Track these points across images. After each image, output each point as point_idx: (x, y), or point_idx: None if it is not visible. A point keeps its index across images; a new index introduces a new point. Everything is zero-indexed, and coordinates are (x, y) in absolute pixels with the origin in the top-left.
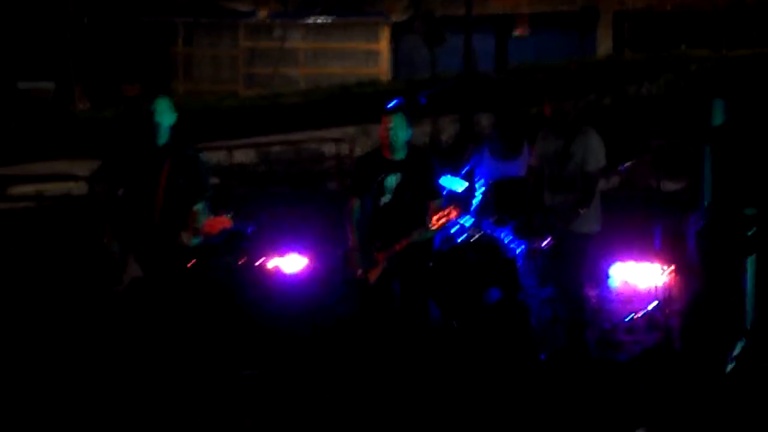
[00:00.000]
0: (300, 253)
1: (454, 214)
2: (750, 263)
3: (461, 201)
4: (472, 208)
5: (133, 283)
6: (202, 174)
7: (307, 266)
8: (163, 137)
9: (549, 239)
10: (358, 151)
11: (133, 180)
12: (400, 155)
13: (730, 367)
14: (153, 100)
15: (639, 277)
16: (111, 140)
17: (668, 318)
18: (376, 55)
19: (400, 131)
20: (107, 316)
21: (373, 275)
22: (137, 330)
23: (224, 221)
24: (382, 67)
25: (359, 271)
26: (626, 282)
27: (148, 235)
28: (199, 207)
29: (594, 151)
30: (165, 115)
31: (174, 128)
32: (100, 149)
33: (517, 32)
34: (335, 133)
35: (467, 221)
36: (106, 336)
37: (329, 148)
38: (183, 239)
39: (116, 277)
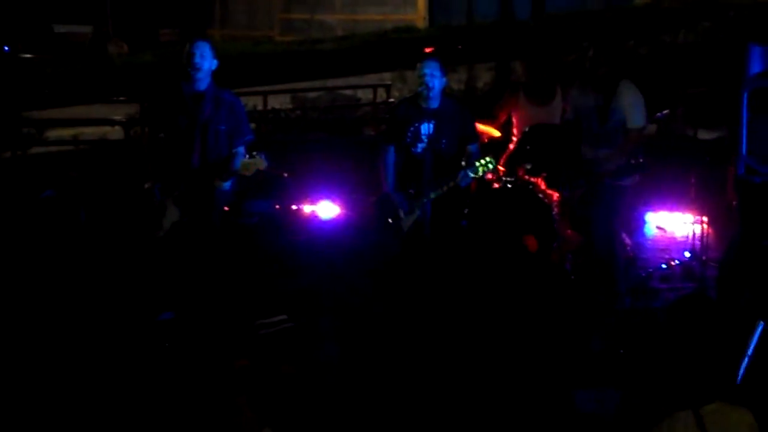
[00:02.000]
0: (333, 200)
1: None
2: None
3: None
4: (509, 154)
5: (173, 228)
6: (242, 119)
7: (341, 213)
8: (203, 82)
9: (582, 188)
10: (395, 98)
11: (173, 124)
12: (434, 103)
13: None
14: (193, 42)
15: (675, 225)
16: (149, 85)
17: (704, 266)
18: (412, 1)
19: (435, 79)
20: (148, 260)
21: (409, 222)
22: (175, 275)
23: (258, 162)
24: (419, 13)
25: (392, 218)
26: (662, 230)
27: (188, 179)
28: (239, 150)
29: (635, 109)
30: (206, 59)
31: (214, 73)
32: (137, 94)
33: None
34: (371, 79)
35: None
36: (145, 280)
37: (365, 95)
38: (216, 182)
39: (156, 222)
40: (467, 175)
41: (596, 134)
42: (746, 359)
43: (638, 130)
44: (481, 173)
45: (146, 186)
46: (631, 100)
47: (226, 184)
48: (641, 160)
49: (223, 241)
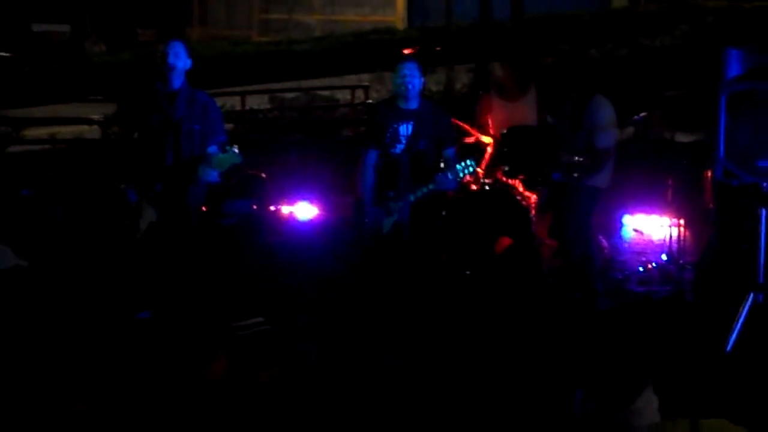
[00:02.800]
0: (311, 201)
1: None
2: (764, 215)
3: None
4: (486, 156)
5: (149, 228)
6: (216, 119)
7: (319, 214)
8: (176, 81)
9: (546, 192)
10: (373, 99)
11: (147, 123)
12: (413, 104)
13: (741, 319)
14: (167, 42)
15: (652, 228)
16: (126, 85)
17: (681, 269)
18: (391, 2)
19: (414, 79)
20: (125, 260)
21: (386, 225)
22: (152, 275)
23: (232, 157)
24: (398, 14)
25: (371, 221)
26: (639, 233)
27: (162, 179)
28: (212, 150)
29: (603, 127)
30: (179, 59)
31: (188, 73)
32: (115, 93)
33: None
34: (350, 80)
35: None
36: (122, 280)
37: (343, 96)
38: (194, 176)
39: (133, 223)
40: (447, 178)
41: (569, 142)
42: (736, 330)
43: (604, 151)
44: (461, 176)
45: (121, 187)
46: (600, 119)
47: (212, 174)
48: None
49: (201, 241)
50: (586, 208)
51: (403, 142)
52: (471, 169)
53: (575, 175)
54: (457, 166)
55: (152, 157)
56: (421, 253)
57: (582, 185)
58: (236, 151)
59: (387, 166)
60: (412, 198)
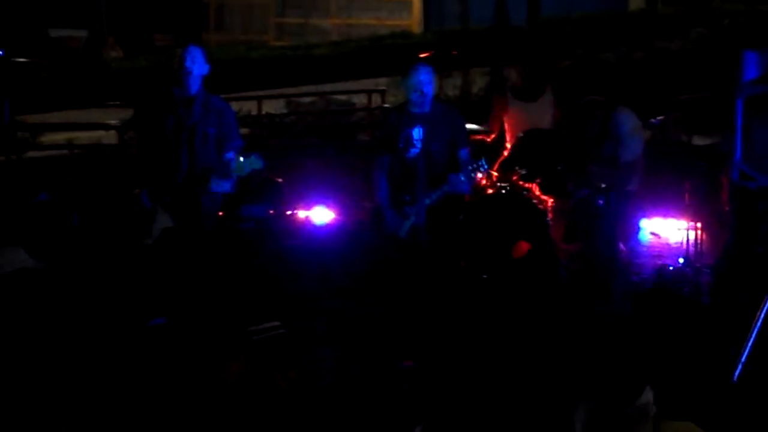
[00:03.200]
0: (328, 205)
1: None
2: None
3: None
4: (503, 160)
5: (163, 234)
6: (231, 124)
7: (335, 218)
8: (193, 86)
9: (577, 197)
10: (390, 103)
11: (162, 128)
12: (426, 108)
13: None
14: (185, 47)
15: (669, 231)
16: (143, 90)
17: (697, 272)
18: (407, 6)
19: (429, 85)
20: (139, 266)
21: (404, 229)
22: (166, 281)
23: (252, 162)
24: (414, 18)
25: (388, 225)
26: (656, 236)
27: (177, 184)
28: (229, 156)
29: (629, 138)
30: (196, 64)
31: (205, 78)
32: (132, 98)
33: None
34: (366, 84)
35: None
36: (136, 286)
37: (360, 100)
38: (209, 183)
39: (146, 229)
40: (459, 179)
41: (596, 154)
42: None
43: (632, 163)
44: (473, 175)
45: (135, 192)
46: (625, 131)
47: (223, 185)
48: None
49: (216, 246)
50: (618, 214)
51: (417, 146)
52: (483, 168)
53: (600, 202)
54: (469, 166)
55: (167, 161)
56: (438, 257)
57: (610, 191)
58: (257, 157)
59: (402, 171)
60: (427, 201)
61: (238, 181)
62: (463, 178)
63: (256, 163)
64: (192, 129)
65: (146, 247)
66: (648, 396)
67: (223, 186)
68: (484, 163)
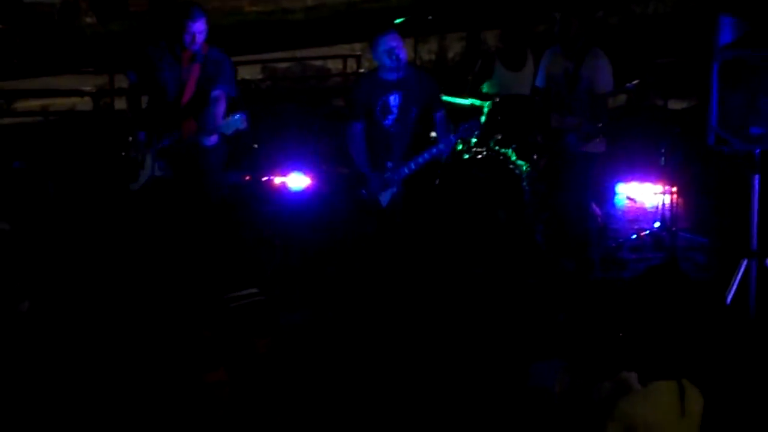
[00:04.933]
0: (304, 171)
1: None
2: (756, 182)
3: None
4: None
5: (153, 182)
6: (226, 72)
7: (312, 185)
8: (196, 46)
9: (545, 159)
10: (365, 68)
11: (160, 84)
12: (400, 73)
13: (734, 286)
14: (197, 19)
15: (645, 195)
16: (121, 54)
17: (673, 237)
18: None
19: (401, 51)
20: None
21: (385, 197)
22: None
23: (238, 121)
24: None
25: (369, 194)
26: (632, 200)
27: (176, 136)
28: (217, 95)
29: (603, 74)
30: (205, 32)
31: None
32: (106, 64)
33: None
34: (342, 49)
35: (473, 138)
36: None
37: (335, 65)
38: (198, 133)
39: (132, 174)
40: (451, 141)
41: (564, 101)
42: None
43: (604, 96)
44: (466, 136)
45: (129, 139)
46: (598, 64)
47: (208, 141)
48: (600, 125)
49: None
50: (582, 176)
51: (395, 112)
52: (476, 129)
53: (596, 139)
54: (462, 126)
55: (164, 110)
56: (416, 224)
57: (577, 153)
58: (245, 117)
59: (380, 138)
60: (413, 166)
61: (223, 139)
62: (453, 139)
63: (240, 123)
64: (191, 84)
65: (132, 192)
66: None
67: (211, 140)
68: (477, 122)
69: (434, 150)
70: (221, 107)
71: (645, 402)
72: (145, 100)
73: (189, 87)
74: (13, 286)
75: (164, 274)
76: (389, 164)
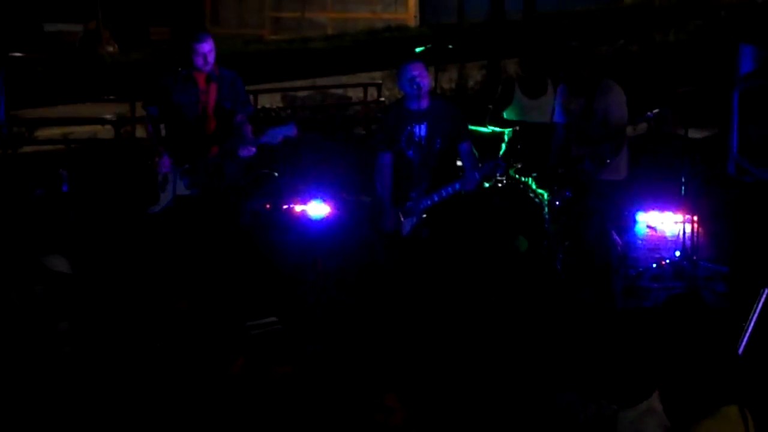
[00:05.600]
0: (324, 200)
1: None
2: None
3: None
4: (500, 153)
5: (176, 202)
6: (241, 91)
7: (332, 213)
8: (209, 67)
9: (568, 191)
10: (385, 97)
11: (178, 109)
12: (424, 104)
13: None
14: (204, 41)
15: (666, 224)
16: (141, 83)
17: (694, 266)
18: None
19: (424, 79)
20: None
21: (406, 228)
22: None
23: (288, 129)
24: (410, 12)
25: (391, 224)
26: (653, 229)
27: (200, 155)
28: (240, 119)
29: (615, 108)
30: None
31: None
32: (127, 93)
33: None
34: (362, 78)
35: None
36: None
37: (356, 94)
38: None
39: (154, 195)
40: (474, 177)
41: (582, 134)
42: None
43: (621, 128)
44: (491, 175)
45: (152, 162)
46: (610, 97)
47: (249, 150)
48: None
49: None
50: (603, 204)
51: (419, 142)
52: (500, 169)
53: (608, 161)
54: (485, 165)
55: (187, 136)
56: (437, 253)
57: (597, 181)
58: (292, 124)
59: (405, 168)
60: (436, 198)
61: (269, 148)
62: (477, 176)
63: (290, 130)
64: (211, 103)
65: (152, 215)
66: (655, 399)
67: (249, 150)
68: (501, 162)
69: (457, 185)
70: (248, 128)
71: (717, 427)
72: (162, 127)
73: (210, 107)
74: (52, 308)
75: (188, 296)
76: (413, 194)
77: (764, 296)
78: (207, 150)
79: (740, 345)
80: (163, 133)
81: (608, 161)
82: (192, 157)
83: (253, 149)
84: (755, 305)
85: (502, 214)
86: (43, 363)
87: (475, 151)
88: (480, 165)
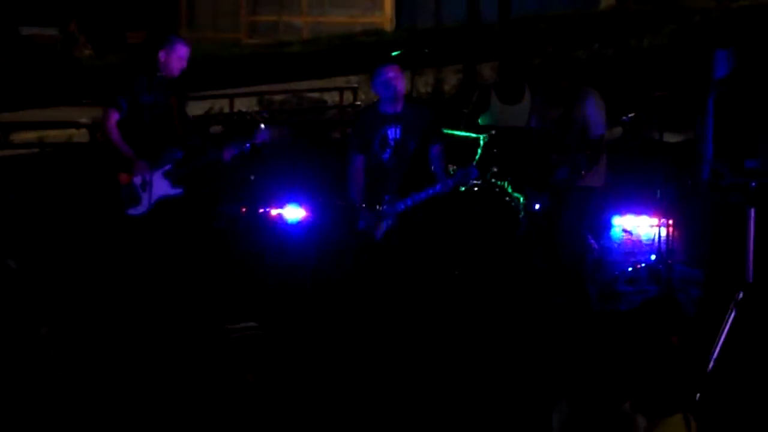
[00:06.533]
0: (301, 203)
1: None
2: (752, 214)
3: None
4: (476, 157)
5: (161, 203)
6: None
7: (308, 217)
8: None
9: (545, 196)
10: (361, 101)
11: (146, 107)
12: (398, 107)
13: (731, 317)
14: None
15: (641, 228)
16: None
17: (669, 269)
18: (379, 3)
19: (399, 81)
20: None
21: (380, 230)
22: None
23: (263, 131)
24: (386, 16)
25: (364, 227)
26: (629, 233)
27: (179, 157)
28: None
29: (595, 118)
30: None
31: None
32: (103, 96)
33: None
34: (338, 82)
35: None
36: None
37: (332, 97)
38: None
39: (134, 198)
40: (449, 184)
41: (560, 143)
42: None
43: (600, 139)
44: (465, 181)
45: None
46: (589, 106)
47: (233, 151)
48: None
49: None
50: (580, 210)
51: (393, 145)
52: (472, 176)
53: (582, 172)
54: (458, 173)
55: (150, 135)
56: (412, 257)
57: (577, 186)
58: (267, 128)
59: (378, 172)
60: (410, 203)
61: (251, 148)
62: (451, 183)
63: (266, 133)
64: (171, 105)
65: (134, 218)
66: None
67: (233, 151)
68: (474, 170)
69: (430, 191)
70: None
71: None
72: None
73: (175, 110)
74: (31, 313)
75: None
76: (386, 197)
77: (739, 299)
78: (173, 152)
79: (711, 357)
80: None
81: (583, 172)
82: (158, 159)
83: (236, 150)
84: (727, 315)
85: (477, 218)
86: (29, 367)
87: (444, 155)
88: (453, 169)
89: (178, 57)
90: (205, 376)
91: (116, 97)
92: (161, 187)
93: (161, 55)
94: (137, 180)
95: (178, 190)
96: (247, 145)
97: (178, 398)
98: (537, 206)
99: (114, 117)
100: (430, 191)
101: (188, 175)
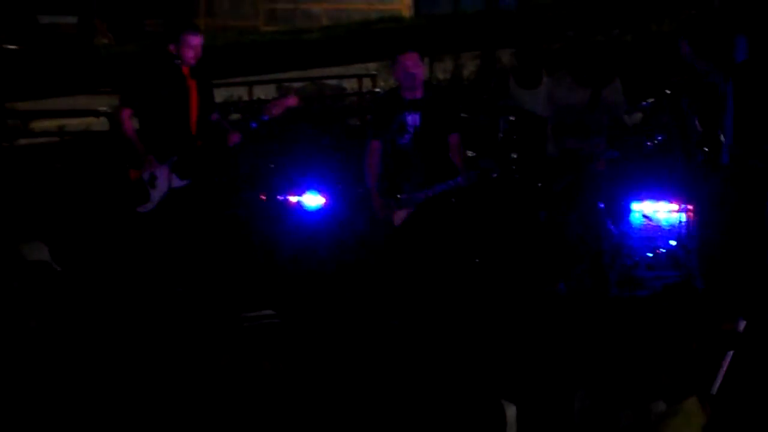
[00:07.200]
0: (320, 191)
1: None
2: None
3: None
4: (496, 143)
5: (171, 194)
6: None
7: (327, 204)
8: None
9: (565, 180)
10: (380, 87)
11: (160, 101)
12: (418, 93)
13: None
14: (198, 35)
15: (661, 214)
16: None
17: (689, 255)
18: None
19: (418, 69)
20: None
21: (398, 217)
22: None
23: (291, 99)
24: (405, 3)
25: (382, 214)
26: (648, 219)
27: (187, 146)
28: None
29: (623, 103)
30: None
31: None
32: (122, 84)
33: None
34: (357, 69)
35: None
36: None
37: (350, 85)
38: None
39: (143, 195)
40: (472, 176)
41: (583, 125)
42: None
43: (620, 119)
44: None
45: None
46: (619, 96)
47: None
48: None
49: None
50: (597, 195)
51: (411, 131)
52: (495, 172)
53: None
54: (481, 163)
55: (173, 128)
56: (432, 245)
57: (593, 171)
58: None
59: (396, 158)
60: (430, 193)
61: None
62: (473, 175)
63: (293, 100)
64: (194, 97)
65: (143, 214)
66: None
67: (236, 137)
68: (495, 165)
69: (452, 182)
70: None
71: (681, 423)
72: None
73: (194, 100)
74: (23, 306)
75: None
76: (406, 185)
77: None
78: (192, 143)
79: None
80: (136, 126)
81: (603, 157)
82: (176, 150)
83: (238, 136)
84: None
85: (496, 204)
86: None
87: (462, 144)
88: (476, 161)
89: (189, 46)
90: (221, 363)
91: (128, 94)
92: (170, 180)
93: (172, 47)
94: (146, 176)
95: (186, 181)
96: (253, 124)
97: (192, 386)
98: (556, 190)
99: (126, 113)
100: (452, 183)
101: (197, 165)
